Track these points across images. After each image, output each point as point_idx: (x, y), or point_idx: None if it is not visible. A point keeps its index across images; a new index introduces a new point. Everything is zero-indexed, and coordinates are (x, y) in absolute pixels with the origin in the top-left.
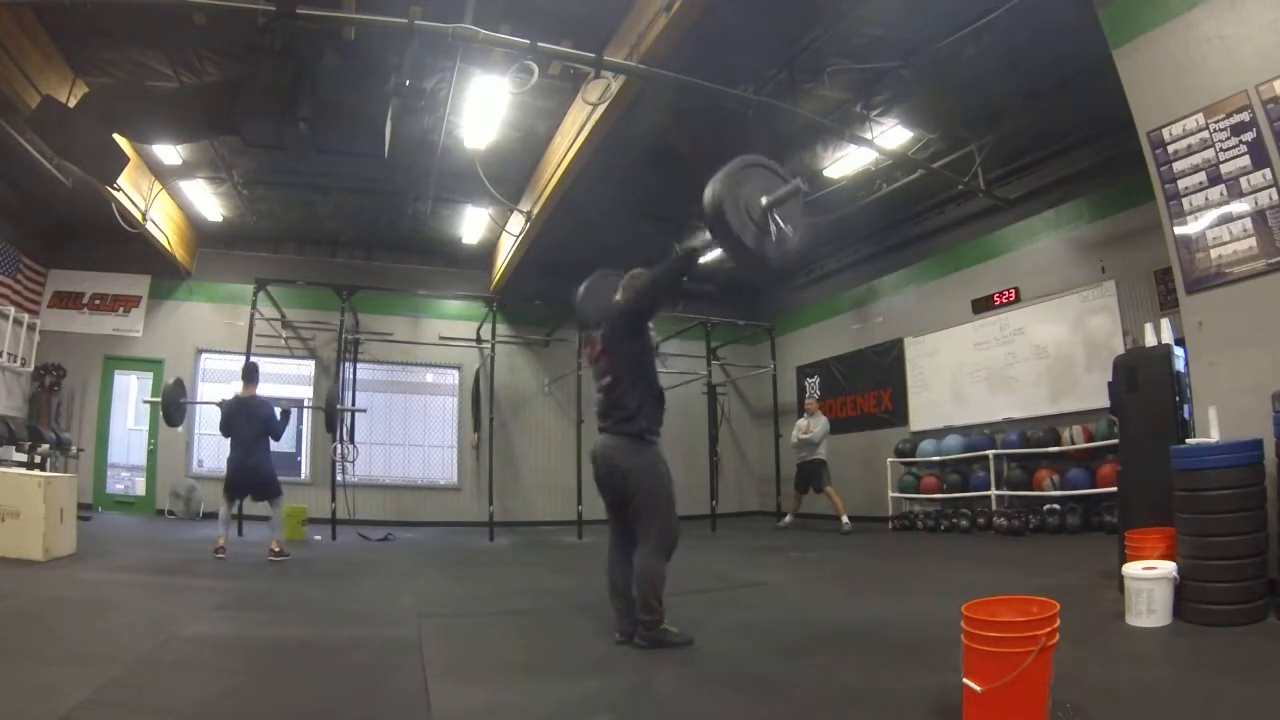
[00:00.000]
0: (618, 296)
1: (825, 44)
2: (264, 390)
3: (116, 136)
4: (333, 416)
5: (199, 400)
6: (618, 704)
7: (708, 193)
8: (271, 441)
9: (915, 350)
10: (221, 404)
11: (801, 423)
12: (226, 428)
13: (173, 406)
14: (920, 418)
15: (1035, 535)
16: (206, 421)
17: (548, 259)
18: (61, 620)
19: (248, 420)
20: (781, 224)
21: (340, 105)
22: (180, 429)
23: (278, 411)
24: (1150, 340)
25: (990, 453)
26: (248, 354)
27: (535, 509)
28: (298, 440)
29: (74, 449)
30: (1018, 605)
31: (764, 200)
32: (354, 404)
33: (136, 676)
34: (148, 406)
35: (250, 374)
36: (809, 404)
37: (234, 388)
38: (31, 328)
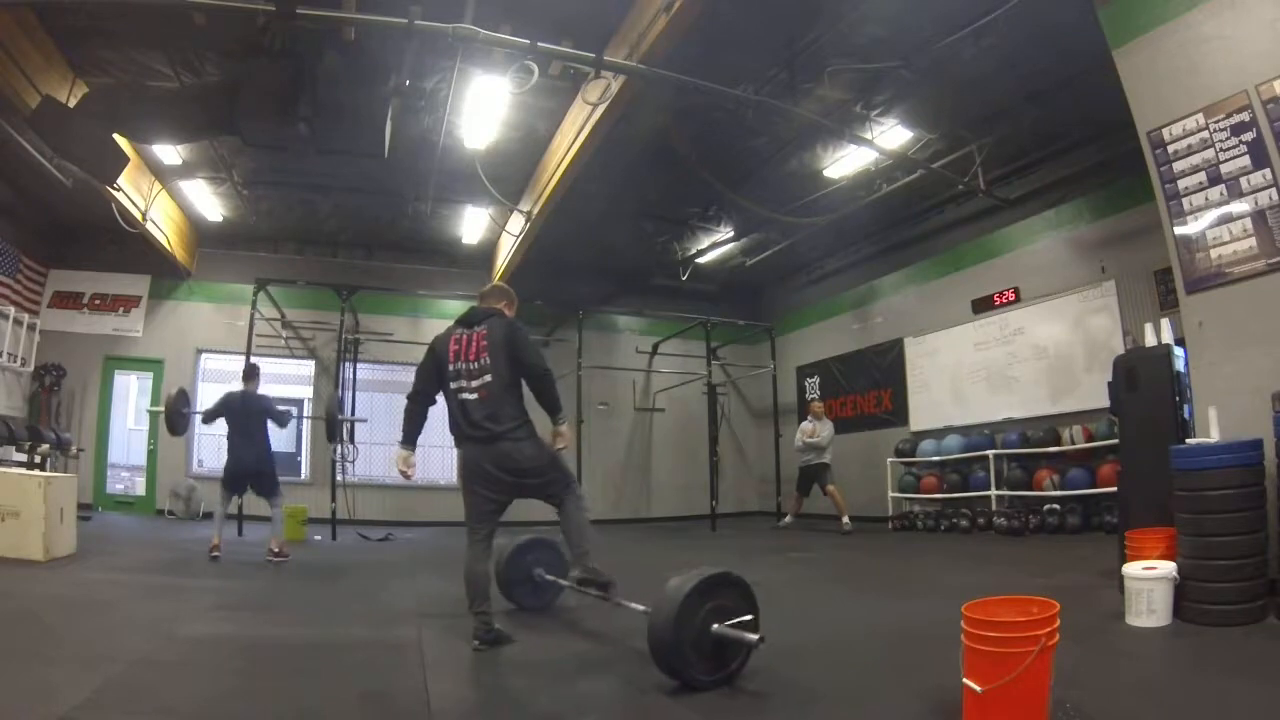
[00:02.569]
0: (519, 341)
1: (825, 44)
2: (263, 389)
3: (116, 136)
4: (333, 426)
5: (198, 410)
6: (615, 704)
7: (654, 621)
8: (275, 429)
9: (915, 350)
10: (223, 396)
11: (806, 426)
12: (213, 416)
13: (176, 416)
14: (920, 418)
15: (1035, 535)
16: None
17: (548, 259)
18: (61, 620)
19: (244, 411)
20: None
21: (340, 105)
22: (181, 436)
23: (280, 409)
24: (1150, 340)
25: (990, 453)
26: (248, 354)
27: (535, 509)
28: (298, 440)
29: (74, 449)
30: (1018, 605)
31: (715, 628)
32: (354, 404)
33: (136, 676)
34: (148, 405)
35: (250, 374)
36: (814, 406)
37: (233, 388)
38: (31, 328)
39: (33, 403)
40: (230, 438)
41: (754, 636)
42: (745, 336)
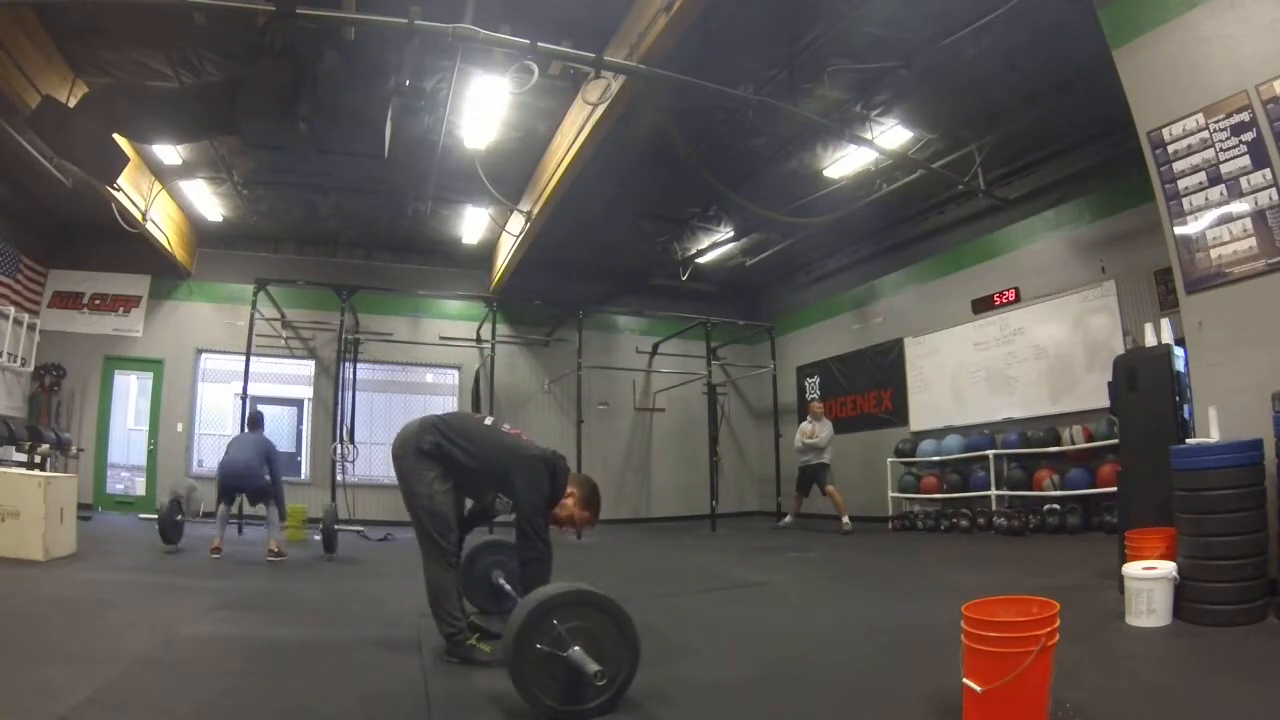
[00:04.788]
0: (526, 488)
1: (825, 44)
2: (263, 389)
3: (116, 136)
4: (331, 538)
5: (196, 518)
6: (615, 703)
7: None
8: (268, 468)
9: (915, 350)
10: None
11: (806, 426)
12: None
13: (169, 526)
14: (920, 418)
15: (1035, 535)
16: (207, 421)
17: (548, 259)
18: (61, 620)
19: (246, 442)
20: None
21: (340, 105)
22: (180, 429)
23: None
24: (1150, 340)
25: (990, 453)
26: (248, 354)
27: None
28: (298, 440)
29: (74, 449)
30: (1018, 605)
31: (574, 650)
32: (354, 404)
33: (136, 676)
34: (148, 406)
35: (255, 421)
36: (814, 406)
37: (233, 388)
38: (31, 328)
39: (33, 403)
40: (227, 452)
41: (595, 667)
42: (745, 336)
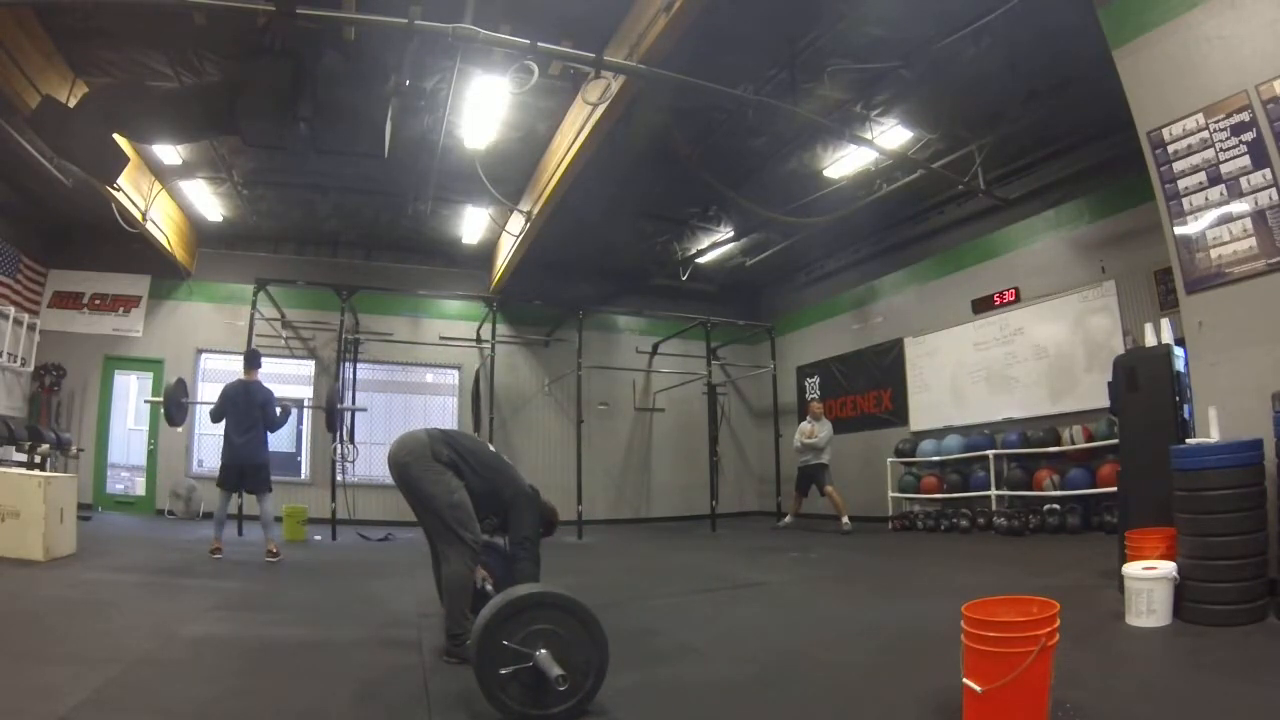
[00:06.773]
0: (524, 522)
1: (825, 44)
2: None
3: (116, 136)
4: (333, 415)
5: (200, 400)
6: (619, 704)
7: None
8: (268, 433)
9: (915, 350)
10: (224, 389)
11: (805, 426)
12: (219, 412)
13: (174, 406)
14: (920, 418)
15: (1035, 535)
16: (206, 422)
17: (548, 259)
18: (61, 620)
19: (246, 403)
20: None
21: (340, 105)
22: (180, 429)
23: (278, 410)
24: (1150, 340)
25: (990, 453)
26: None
27: None
28: (298, 440)
29: (74, 449)
30: (1018, 605)
31: (540, 654)
32: (354, 404)
33: (136, 676)
34: (148, 406)
35: (252, 360)
36: (813, 406)
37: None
38: (31, 328)
39: (33, 403)
40: (227, 430)
41: (558, 671)
42: (745, 336)
